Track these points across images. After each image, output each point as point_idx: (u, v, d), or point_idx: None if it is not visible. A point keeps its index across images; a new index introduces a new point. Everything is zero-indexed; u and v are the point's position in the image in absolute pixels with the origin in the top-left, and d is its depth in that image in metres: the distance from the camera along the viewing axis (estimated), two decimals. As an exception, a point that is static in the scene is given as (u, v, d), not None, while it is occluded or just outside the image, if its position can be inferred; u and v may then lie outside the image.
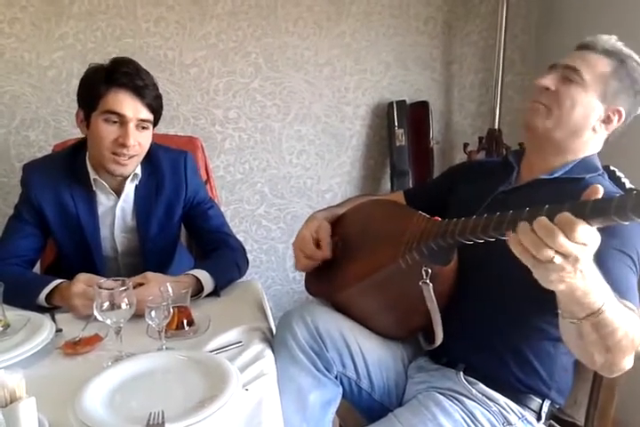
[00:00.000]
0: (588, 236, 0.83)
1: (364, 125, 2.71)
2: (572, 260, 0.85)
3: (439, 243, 1.13)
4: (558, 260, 0.84)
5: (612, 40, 1.28)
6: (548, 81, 1.26)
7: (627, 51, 1.27)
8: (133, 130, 1.49)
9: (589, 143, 1.29)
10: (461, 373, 1.26)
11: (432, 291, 1.18)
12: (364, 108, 2.69)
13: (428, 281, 1.17)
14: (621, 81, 1.24)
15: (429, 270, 1.17)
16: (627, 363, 1.01)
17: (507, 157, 1.42)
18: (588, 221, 0.82)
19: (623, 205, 0.79)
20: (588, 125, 1.26)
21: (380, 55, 2.63)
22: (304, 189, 2.73)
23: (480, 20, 2.65)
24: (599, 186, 0.85)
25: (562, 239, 0.82)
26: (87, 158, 1.59)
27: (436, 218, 1.19)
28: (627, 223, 0.81)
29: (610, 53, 1.26)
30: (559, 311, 0.99)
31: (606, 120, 1.26)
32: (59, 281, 1.43)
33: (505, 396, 1.22)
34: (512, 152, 1.44)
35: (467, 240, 1.06)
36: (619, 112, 1.26)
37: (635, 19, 1.99)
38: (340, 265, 1.38)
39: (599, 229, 0.85)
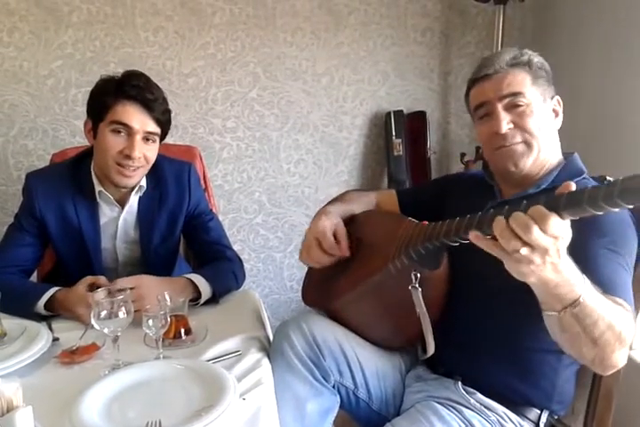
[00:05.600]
0: (559, 228, 0.85)
1: (361, 135, 2.72)
2: (540, 252, 0.87)
3: (426, 246, 1.14)
4: (524, 251, 0.87)
5: (504, 55, 1.26)
6: (506, 122, 1.22)
7: (519, 52, 1.26)
8: (140, 142, 1.49)
9: (556, 137, 1.30)
10: (459, 383, 1.26)
11: (421, 296, 1.18)
12: (361, 118, 2.70)
13: (417, 285, 1.18)
14: (541, 77, 1.26)
15: (418, 275, 1.17)
16: (618, 359, 1.01)
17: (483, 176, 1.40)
18: (561, 214, 0.85)
19: (595, 196, 0.80)
20: (552, 127, 1.28)
21: (377, 65, 2.65)
22: (302, 198, 2.74)
23: (477, 31, 2.67)
24: (572, 182, 0.87)
25: (534, 231, 0.85)
26: (92, 169, 1.60)
27: (424, 222, 1.20)
28: (601, 213, 0.82)
29: (515, 64, 1.24)
30: (541, 306, 1.00)
31: (555, 113, 1.29)
32: (57, 288, 1.43)
33: (503, 406, 1.22)
34: (486, 174, 1.39)
35: (452, 242, 1.07)
36: (558, 100, 1.29)
37: (628, 31, 2.01)
38: (335, 276, 1.37)
39: (589, 229, 0.86)
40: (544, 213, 0.85)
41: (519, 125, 1.22)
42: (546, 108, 1.26)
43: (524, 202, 0.89)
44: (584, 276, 0.96)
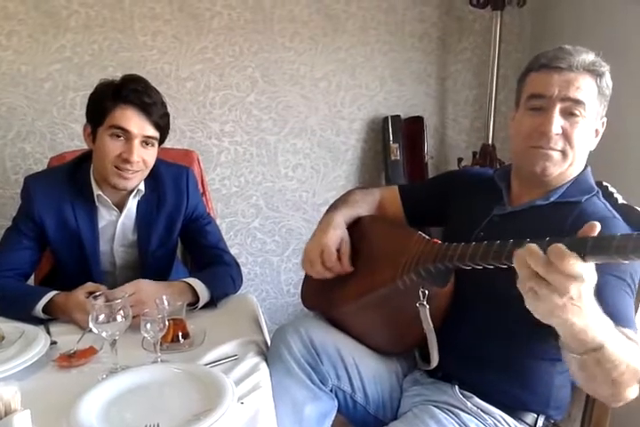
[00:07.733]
0: (579, 270, 0.81)
1: (359, 140, 2.73)
2: (559, 292, 0.83)
3: (437, 267, 1.14)
4: (541, 291, 0.83)
5: (584, 55, 1.19)
6: (557, 126, 1.18)
7: (598, 59, 1.20)
8: (138, 146, 1.50)
9: (586, 155, 1.27)
10: (456, 386, 1.27)
11: (428, 313, 1.19)
12: (359, 123, 2.70)
13: (424, 303, 1.17)
14: (604, 94, 1.22)
15: (426, 292, 1.17)
16: (631, 393, 0.98)
17: (493, 178, 1.38)
18: (584, 257, 0.81)
19: (624, 245, 0.78)
20: (589, 146, 1.25)
21: (375, 71, 2.65)
22: (299, 202, 2.74)
23: (474, 36, 2.68)
24: (596, 224, 0.84)
25: (549, 270, 0.82)
26: (91, 173, 1.60)
27: (435, 240, 1.20)
28: (626, 262, 0.81)
29: (591, 70, 1.19)
30: (560, 344, 0.97)
31: (596, 133, 1.26)
32: (55, 292, 1.43)
33: (500, 409, 1.23)
34: (498, 173, 1.39)
35: (465, 266, 1.07)
36: (603, 122, 1.26)
37: (627, 35, 2.02)
38: (338, 280, 1.37)
39: None
40: (563, 253, 0.81)
41: (566, 134, 1.18)
42: (593, 126, 1.23)
43: (547, 239, 0.86)
44: (608, 319, 0.93)
